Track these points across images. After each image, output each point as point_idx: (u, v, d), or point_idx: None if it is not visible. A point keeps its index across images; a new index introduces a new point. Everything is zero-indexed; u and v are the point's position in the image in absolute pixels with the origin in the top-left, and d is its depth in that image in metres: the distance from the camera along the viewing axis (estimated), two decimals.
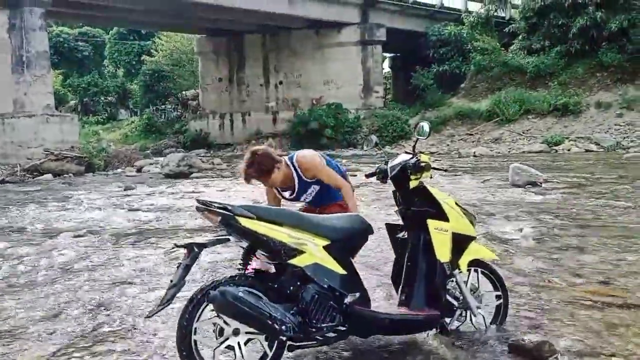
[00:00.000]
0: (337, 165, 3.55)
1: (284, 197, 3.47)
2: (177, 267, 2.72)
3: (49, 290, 4.44)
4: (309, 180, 3.35)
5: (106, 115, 35.78)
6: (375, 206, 8.11)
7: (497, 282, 3.38)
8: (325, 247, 2.84)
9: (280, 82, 25.93)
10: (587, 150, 17.82)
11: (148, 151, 23.70)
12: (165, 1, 20.25)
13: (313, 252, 2.79)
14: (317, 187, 3.39)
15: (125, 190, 11.50)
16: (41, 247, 6.06)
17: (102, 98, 35.86)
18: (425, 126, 3.39)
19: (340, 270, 2.87)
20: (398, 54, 30.10)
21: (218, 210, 2.71)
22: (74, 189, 12.25)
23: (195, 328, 2.67)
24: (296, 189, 3.38)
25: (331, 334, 2.86)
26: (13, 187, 13.33)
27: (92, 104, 35.81)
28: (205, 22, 24.57)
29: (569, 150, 18.08)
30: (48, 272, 5.00)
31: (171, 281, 2.68)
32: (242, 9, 21.28)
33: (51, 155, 16.08)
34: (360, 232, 3.04)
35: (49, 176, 15.33)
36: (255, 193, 8.13)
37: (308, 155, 3.39)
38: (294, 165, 3.34)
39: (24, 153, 16.25)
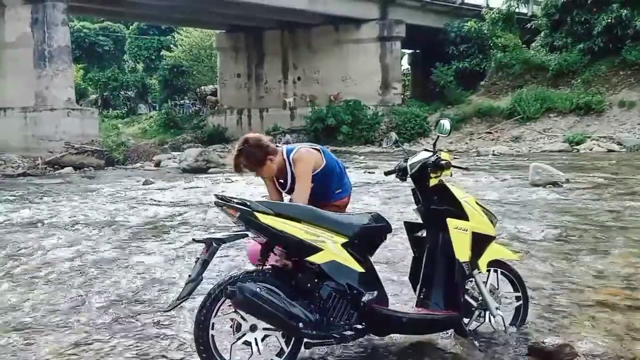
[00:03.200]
0: (338, 161, 3.38)
1: (279, 189, 3.32)
2: (195, 262, 2.73)
3: (68, 283, 4.49)
4: None
5: (126, 109, 36.13)
6: (394, 204, 8.07)
7: (517, 282, 3.34)
8: (343, 245, 2.82)
9: (299, 78, 25.92)
10: (609, 150, 17.51)
11: (166, 146, 23.88)
12: None
13: (331, 250, 2.77)
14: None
15: (144, 184, 11.61)
16: (60, 240, 6.13)
17: (122, 92, 36.22)
18: (446, 123, 3.35)
19: (358, 268, 2.85)
20: (417, 51, 29.90)
21: (237, 205, 2.71)
22: (94, 183, 12.40)
23: (213, 323, 2.68)
24: (288, 184, 3.24)
25: (348, 332, 2.84)
26: (34, 180, 13.53)
27: (112, 98, 36.19)
28: (225, 18, 24.66)
29: (590, 149, 17.79)
30: (67, 265, 5.05)
31: (189, 276, 2.69)
32: (262, 4, 21.30)
33: (72, 148, 16.30)
34: (379, 230, 3.02)
35: (69, 169, 15.55)
36: None
37: (305, 156, 3.19)
38: (289, 160, 3.19)
39: (45, 146, 16.49)
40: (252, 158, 3.07)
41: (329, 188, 3.25)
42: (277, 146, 3.22)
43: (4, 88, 17.27)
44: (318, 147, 3.33)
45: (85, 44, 37.83)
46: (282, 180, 3.27)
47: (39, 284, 4.49)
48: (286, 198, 3.37)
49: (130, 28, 39.28)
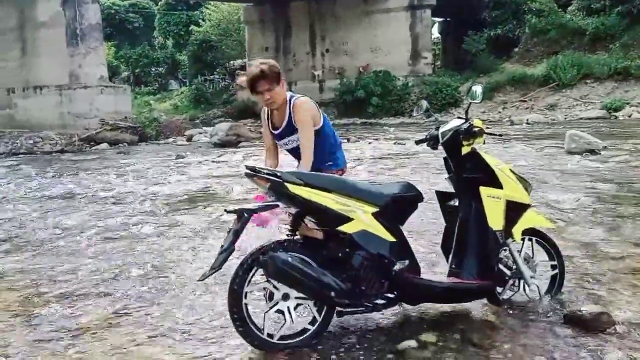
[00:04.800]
0: (335, 133, 3.37)
1: (271, 131, 3.30)
2: (228, 232, 2.76)
3: (107, 254, 4.63)
4: (294, 126, 3.19)
5: (157, 86, 36.54)
6: (425, 174, 7.99)
7: (552, 251, 3.28)
8: (374, 214, 2.81)
9: (327, 50, 25.67)
10: None
11: (197, 121, 24.11)
12: None
13: (361, 219, 2.77)
14: (298, 141, 3.20)
15: (176, 158, 11.78)
16: (98, 213, 6.30)
17: (153, 69, 36.57)
18: (478, 89, 3.27)
19: (389, 238, 2.84)
20: (448, 19, 29.18)
21: (267, 176, 2.71)
22: (129, 158, 12.64)
23: (246, 292, 2.72)
24: (282, 127, 3.23)
25: (380, 301, 2.85)
26: (72, 156, 13.88)
27: (143, 75, 36.60)
28: None
29: (629, 116, 17.20)
30: (105, 237, 5.20)
31: (222, 246, 2.72)
32: None
33: (106, 125, 16.62)
34: (410, 200, 2.99)
35: (104, 145, 15.89)
36: None
37: (306, 103, 3.20)
38: (290, 102, 3.20)
39: (81, 123, 16.86)
40: (274, 71, 3.10)
41: (320, 152, 3.18)
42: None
43: (39, 67, 17.64)
44: (313, 103, 3.28)
45: (116, 21, 38.22)
46: (276, 127, 3.26)
47: (79, 255, 4.63)
48: (281, 156, 3.35)
49: (159, 4, 39.39)
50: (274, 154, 3.38)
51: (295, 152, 3.29)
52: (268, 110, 3.30)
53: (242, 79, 3.81)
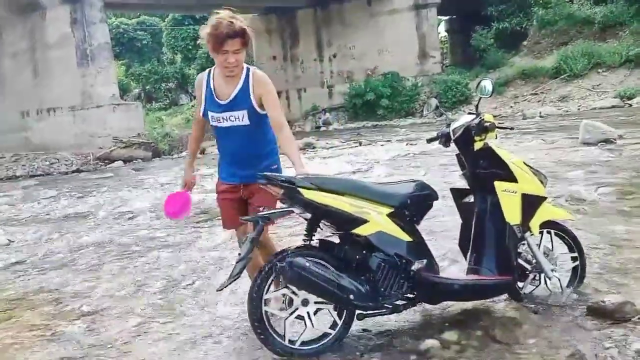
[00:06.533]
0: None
1: (216, 101, 2.96)
2: (244, 240, 2.77)
3: (126, 269, 4.66)
4: (249, 99, 2.88)
5: (167, 101, 36.84)
6: (438, 172, 7.95)
7: (572, 243, 3.24)
8: (389, 215, 2.81)
9: (334, 55, 25.69)
10: None
11: (209, 133, 24.23)
12: None
13: (377, 221, 2.76)
14: (246, 119, 2.89)
15: None
16: (115, 230, 6.35)
17: (163, 85, 36.89)
18: (488, 84, 3.25)
19: (405, 238, 2.83)
20: (454, 16, 29.06)
21: (281, 183, 2.72)
22: (144, 174, 12.74)
23: (266, 299, 2.72)
24: (230, 99, 2.90)
25: (400, 302, 2.85)
26: (88, 175, 14.02)
27: (154, 91, 36.94)
28: (257, 1, 24.61)
29: None
30: (124, 252, 5.24)
31: (239, 254, 2.74)
32: None
33: (120, 143, 16.78)
34: (425, 198, 2.98)
35: (119, 163, 16.03)
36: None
37: (270, 80, 2.94)
38: (247, 72, 2.93)
39: (95, 142, 17.02)
40: (248, 37, 2.85)
41: (263, 140, 2.99)
42: None
43: (51, 88, 17.88)
44: None
45: (125, 39, 38.62)
46: (220, 94, 2.95)
47: (99, 272, 4.67)
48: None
49: (166, 20, 39.78)
50: (201, 135, 3.43)
51: (231, 133, 2.97)
52: (209, 78, 3.03)
53: (205, 31, 3.07)
